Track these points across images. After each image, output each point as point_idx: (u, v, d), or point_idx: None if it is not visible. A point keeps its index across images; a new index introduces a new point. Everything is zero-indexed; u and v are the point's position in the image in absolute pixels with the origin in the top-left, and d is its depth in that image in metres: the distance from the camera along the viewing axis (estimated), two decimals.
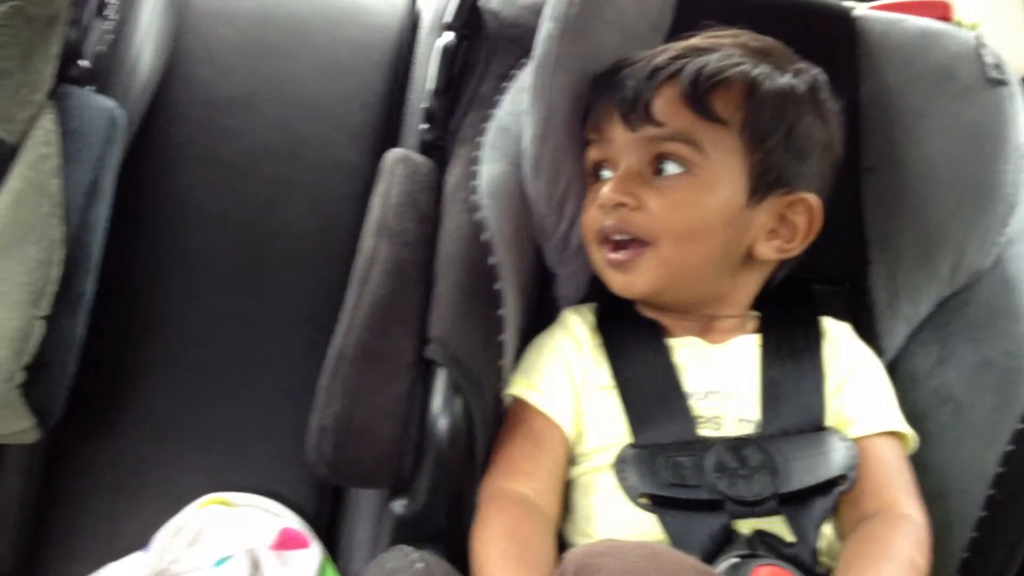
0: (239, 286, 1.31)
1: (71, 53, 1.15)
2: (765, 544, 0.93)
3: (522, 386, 1.06)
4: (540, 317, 1.15)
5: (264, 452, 1.26)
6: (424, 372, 1.01)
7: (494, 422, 1.04)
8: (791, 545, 0.94)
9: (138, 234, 1.30)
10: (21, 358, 0.98)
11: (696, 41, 1.08)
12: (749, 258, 1.07)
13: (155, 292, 1.29)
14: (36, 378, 1.00)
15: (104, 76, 1.23)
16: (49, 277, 1.02)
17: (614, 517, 0.98)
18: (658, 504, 0.96)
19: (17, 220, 1.02)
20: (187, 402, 1.26)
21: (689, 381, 1.04)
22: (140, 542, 1.18)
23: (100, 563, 1.17)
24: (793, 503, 0.96)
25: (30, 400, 1.00)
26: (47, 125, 1.09)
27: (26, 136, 1.08)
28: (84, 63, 1.17)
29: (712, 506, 0.95)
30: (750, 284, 1.10)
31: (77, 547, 1.23)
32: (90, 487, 1.24)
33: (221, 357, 1.28)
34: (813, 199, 1.06)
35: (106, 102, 1.17)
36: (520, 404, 1.05)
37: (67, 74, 1.15)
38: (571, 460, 1.04)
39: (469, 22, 1.24)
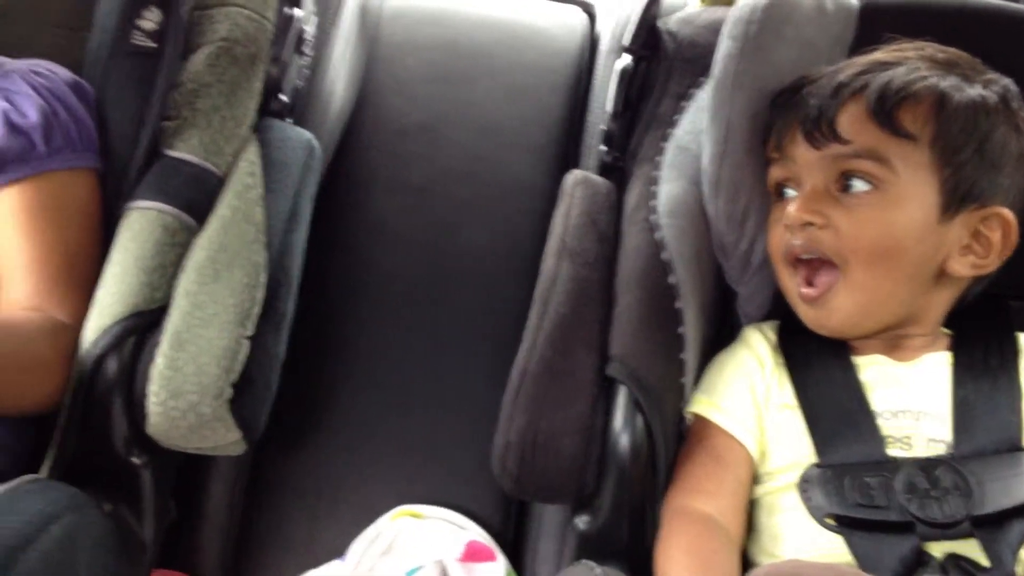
0: (427, 305, 1.35)
1: (272, 88, 1.22)
2: (959, 568, 0.91)
3: (704, 404, 1.06)
4: (722, 335, 1.14)
5: (453, 466, 1.28)
6: (606, 389, 1.02)
7: (675, 440, 1.04)
8: (986, 570, 0.91)
9: (333, 257, 1.35)
10: (229, 375, 1.03)
11: (880, 55, 1.06)
12: (942, 275, 1.04)
13: (349, 312, 1.34)
14: (242, 394, 1.04)
15: (301, 109, 1.31)
16: (254, 299, 1.07)
17: (800, 537, 0.97)
18: (845, 525, 0.94)
19: (225, 246, 1.09)
20: (380, 417, 1.30)
21: (876, 400, 1.01)
22: (337, 550, 1.23)
23: (299, 569, 1.21)
24: (988, 526, 0.93)
25: (237, 414, 1.04)
26: (251, 157, 1.16)
27: (233, 167, 1.15)
28: (283, 97, 1.24)
29: (902, 528, 0.93)
30: (942, 301, 1.07)
31: (278, 553, 1.28)
32: (290, 497, 1.29)
33: (411, 373, 1.32)
34: (1008, 213, 1.02)
35: (304, 133, 1.23)
36: (702, 422, 1.05)
37: (268, 108, 1.23)
38: (755, 479, 1.03)
39: (647, 44, 1.25)
